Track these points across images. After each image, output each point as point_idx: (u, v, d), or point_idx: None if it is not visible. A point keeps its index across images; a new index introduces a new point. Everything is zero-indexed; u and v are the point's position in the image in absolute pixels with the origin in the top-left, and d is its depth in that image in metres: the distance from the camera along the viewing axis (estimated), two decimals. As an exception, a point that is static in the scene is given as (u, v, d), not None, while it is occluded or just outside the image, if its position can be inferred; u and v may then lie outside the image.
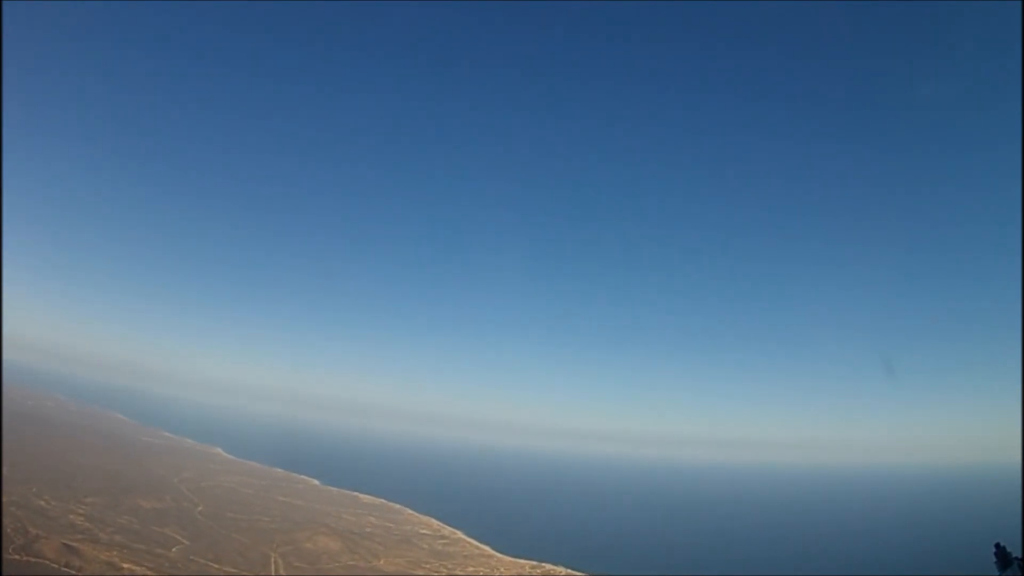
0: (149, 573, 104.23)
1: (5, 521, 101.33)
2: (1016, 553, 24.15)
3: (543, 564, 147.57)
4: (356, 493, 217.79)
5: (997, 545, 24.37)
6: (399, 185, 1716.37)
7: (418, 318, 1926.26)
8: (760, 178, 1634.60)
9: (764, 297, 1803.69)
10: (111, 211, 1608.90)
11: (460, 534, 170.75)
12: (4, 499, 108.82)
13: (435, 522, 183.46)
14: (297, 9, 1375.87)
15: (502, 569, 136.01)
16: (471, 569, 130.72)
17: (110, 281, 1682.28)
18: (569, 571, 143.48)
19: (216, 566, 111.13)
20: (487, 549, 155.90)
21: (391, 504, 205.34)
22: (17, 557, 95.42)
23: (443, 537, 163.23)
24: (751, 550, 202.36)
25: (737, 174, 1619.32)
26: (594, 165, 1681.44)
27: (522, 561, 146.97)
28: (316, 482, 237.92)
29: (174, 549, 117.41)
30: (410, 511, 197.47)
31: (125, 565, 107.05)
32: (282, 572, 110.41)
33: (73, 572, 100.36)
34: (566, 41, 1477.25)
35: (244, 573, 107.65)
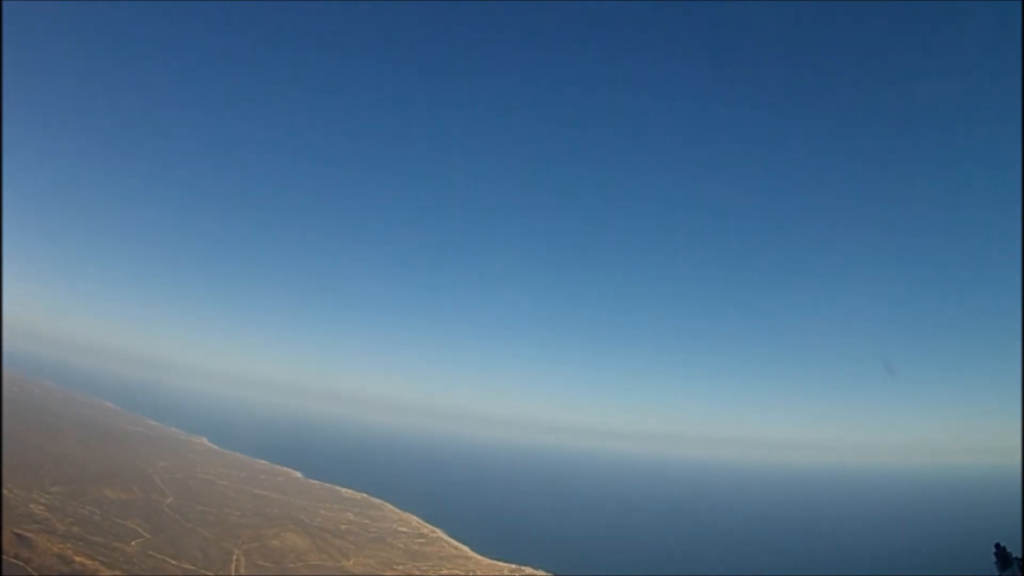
0: (101, 567, 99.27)
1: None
2: (1016, 553, 23.47)
3: (524, 568, 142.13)
4: (338, 487, 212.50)
5: (997, 545, 23.69)
6: (395, 182, 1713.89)
7: (422, 310, 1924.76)
8: (760, 178, 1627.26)
9: (765, 297, 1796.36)
10: (109, 201, 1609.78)
11: (440, 533, 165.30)
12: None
13: (415, 519, 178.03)
14: (297, 9, 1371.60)
15: (478, 572, 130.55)
16: (445, 571, 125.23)
17: (111, 269, 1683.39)
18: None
19: (174, 562, 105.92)
20: (466, 550, 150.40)
21: (373, 499, 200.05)
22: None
23: (421, 536, 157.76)
24: (748, 551, 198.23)
25: (737, 174, 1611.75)
26: (599, 165, 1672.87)
27: (501, 564, 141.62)
28: (299, 475, 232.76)
29: (133, 543, 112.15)
30: (391, 507, 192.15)
31: (77, 558, 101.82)
32: (243, 571, 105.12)
33: (20, 564, 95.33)
34: (569, 43, 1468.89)
35: (200, 571, 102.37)
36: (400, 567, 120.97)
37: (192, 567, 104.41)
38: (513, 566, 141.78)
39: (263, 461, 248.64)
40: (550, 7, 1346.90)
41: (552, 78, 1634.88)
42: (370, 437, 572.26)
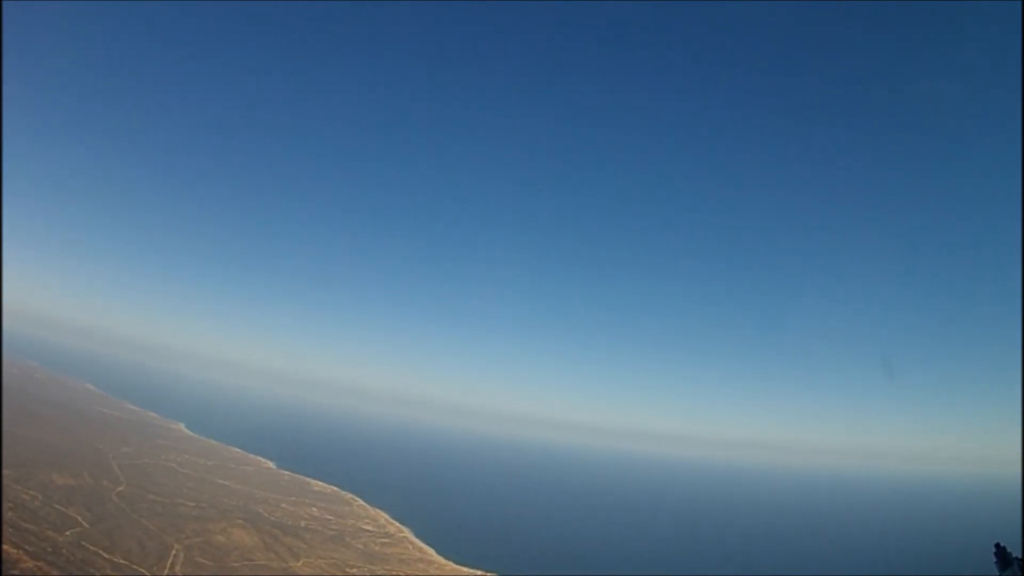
0: (24, 557, 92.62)
1: None
2: (1016, 553, 23.03)
3: (489, 574, 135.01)
4: (309, 479, 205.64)
5: (997, 545, 23.15)
6: (395, 179, 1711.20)
7: (422, 303, 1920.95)
8: (760, 178, 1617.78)
9: (766, 300, 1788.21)
10: (102, 186, 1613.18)
11: (407, 533, 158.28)
12: None
13: (384, 517, 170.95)
14: (298, 9, 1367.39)
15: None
16: None
17: (107, 254, 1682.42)
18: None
19: (106, 555, 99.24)
20: (431, 553, 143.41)
21: (343, 493, 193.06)
22: None
23: (386, 535, 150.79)
24: (742, 554, 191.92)
25: (737, 174, 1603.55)
26: (605, 165, 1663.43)
27: (465, 569, 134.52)
28: (271, 465, 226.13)
29: (68, 532, 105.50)
30: (361, 502, 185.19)
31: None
32: (179, 568, 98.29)
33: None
34: (569, 43, 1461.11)
35: (132, 565, 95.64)
36: (353, 570, 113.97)
37: (124, 561, 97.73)
38: (479, 572, 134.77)
39: (237, 449, 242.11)
40: (551, 7, 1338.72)
41: (552, 77, 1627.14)
42: (357, 428, 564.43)
